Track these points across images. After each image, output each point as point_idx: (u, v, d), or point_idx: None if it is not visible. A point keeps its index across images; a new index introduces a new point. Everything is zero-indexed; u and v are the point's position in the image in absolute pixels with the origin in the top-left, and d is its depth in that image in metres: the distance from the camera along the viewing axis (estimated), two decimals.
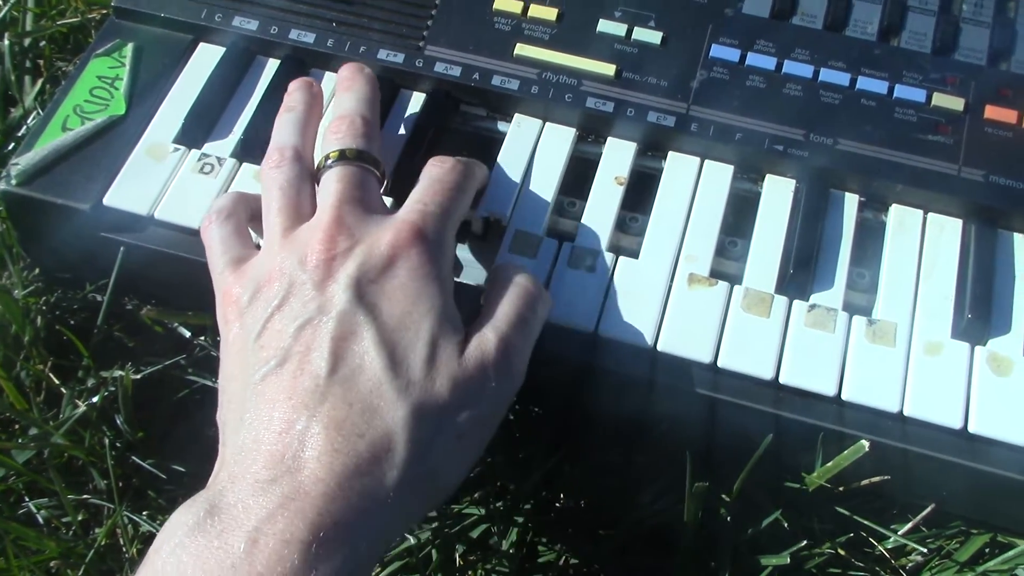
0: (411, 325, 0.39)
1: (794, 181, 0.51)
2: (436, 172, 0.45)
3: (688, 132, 0.51)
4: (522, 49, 0.53)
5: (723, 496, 0.47)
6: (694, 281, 0.47)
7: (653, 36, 0.53)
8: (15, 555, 0.47)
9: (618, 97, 0.52)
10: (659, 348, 0.45)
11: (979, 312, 0.46)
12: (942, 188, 0.49)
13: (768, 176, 0.51)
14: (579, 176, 0.51)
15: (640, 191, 0.51)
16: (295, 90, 0.50)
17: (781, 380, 0.45)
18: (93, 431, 0.50)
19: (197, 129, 0.52)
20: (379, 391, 0.37)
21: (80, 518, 0.49)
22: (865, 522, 0.48)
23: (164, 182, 0.50)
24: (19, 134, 0.62)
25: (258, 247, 0.44)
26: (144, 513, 0.49)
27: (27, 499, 0.50)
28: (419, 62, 0.53)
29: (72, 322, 0.55)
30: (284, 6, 0.55)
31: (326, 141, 0.46)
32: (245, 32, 0.54)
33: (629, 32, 0.53)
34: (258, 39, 0.55)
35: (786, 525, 0.47)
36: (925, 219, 0.50)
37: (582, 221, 0.49)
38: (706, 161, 0.51)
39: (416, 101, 0.54)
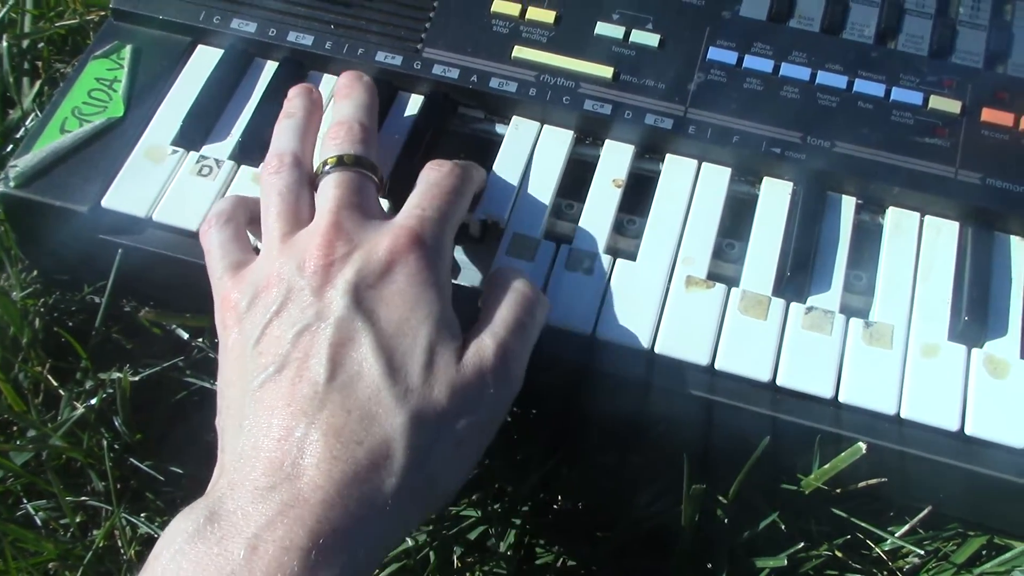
0: (409, 331, 0.39)
1: (791, 184, 0.51)
2: (434, 176, 0.45)
3: (686, 134, 0.51)
4: (520, 51, 0.53)
5: (720, 498, 0.47)
6: (691, 283, 0.47)
7: (651, 39, 0.53)
8: (13, 557, 0.47)
9: (616, 99, 0.52)
10: (656, 350, 0.45)
11: (976, 314, 0.46)
12: (939, 191, 0.49)
13: (765, 179, 0.51)
14: (577, 178, 0.51)
15: (638, 193, 0.51)
16: (295, 96, 0.49)
17: (778, 382, 0.45)
18: (91, 433, 0.50)
19: (195, 131, 0.52)
20: (377, 398, 0.37)
21: (78, 520, 0.49)
22: (862, 524, 0.48)
23: (162, 184, 0.50)
24: (17, 136, 0.62)
25: (256, 250, 0.44)
26: (142, 515, 0.49)
27: (25, 501, 0.50)
28: (417, 64, 0.53)
29: (70, 324, 0.55)
30: (282, 8, 0.55)
31: (324, 147, 0.46)
32: (243, 34, 0.54)
33: (627, 34, 0.53)
34: (256, 41, 0.55)
35: (783, 527, 0.47)
36: (922, 222, 0.50)
37: (580, 223, 0.49)
38: (704, 163, 0.51)
39: (414, 103, 0.54)
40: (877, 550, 0.48)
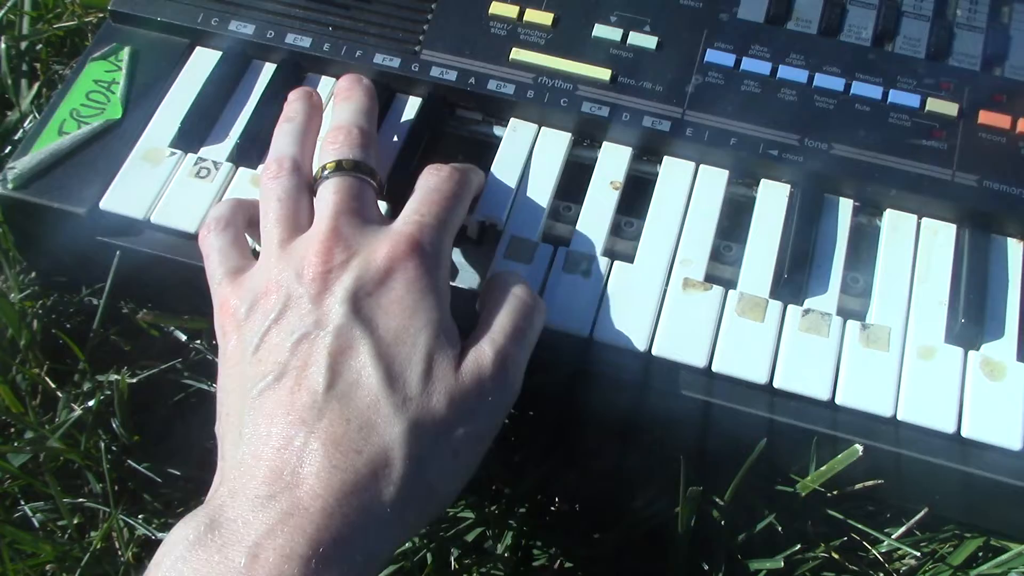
0: (408, 339, 0.39)
1: (789, 186, 0.51)
2: (432, 181, 0.45)
3: (683, 137, 0.51)
4: (518, 54, 0.53)
5: (717, 500, 0.47)
6: (689, 285, 0.47)
7: (648, 41, 0.53)
8: (10, 558, 0.47)
9: (613, 102, 0.52)
10: (654, 352, 0.45)
11: (973, 317, 0.46)
12: (936, 193, 0.49)
13: (763, 181, 0.51)
14: (574, 180, 0.52)
15: (635, 195, 0.51)
16: (294, 100, 0.49)
17: (775, 384, 0.45)
18: (89, 434, 0.50)
19: (193, 133, 0.52)
20: (376, 407, 0.37)
21: (76, 521, 0.49)
22: (859, 526, 0.48)
23: (160, 186, 0.50)
24: (15, 138, 0.62)
25: (255, 254, 0.44)
26: (140, 516, 0.49)
27: (23, 502, 0.50)
28: (415, 66, 0.53)
29: (68, 326, 0.55)
30: (280, 10, 0.55)
31: (323, 152, 0.46)
32: (241, 36, 0.54)
33: (625, 37, 0.53)
34: (254, 43, 0.55)
35: (780, 529, 0.47)
36: (919, 224, 0.50)
37: (577, 226, 0.49)
38: (701, 166, 0.51)
39: (412, 106, 0.54)
40: (874, 552, 0.48)
